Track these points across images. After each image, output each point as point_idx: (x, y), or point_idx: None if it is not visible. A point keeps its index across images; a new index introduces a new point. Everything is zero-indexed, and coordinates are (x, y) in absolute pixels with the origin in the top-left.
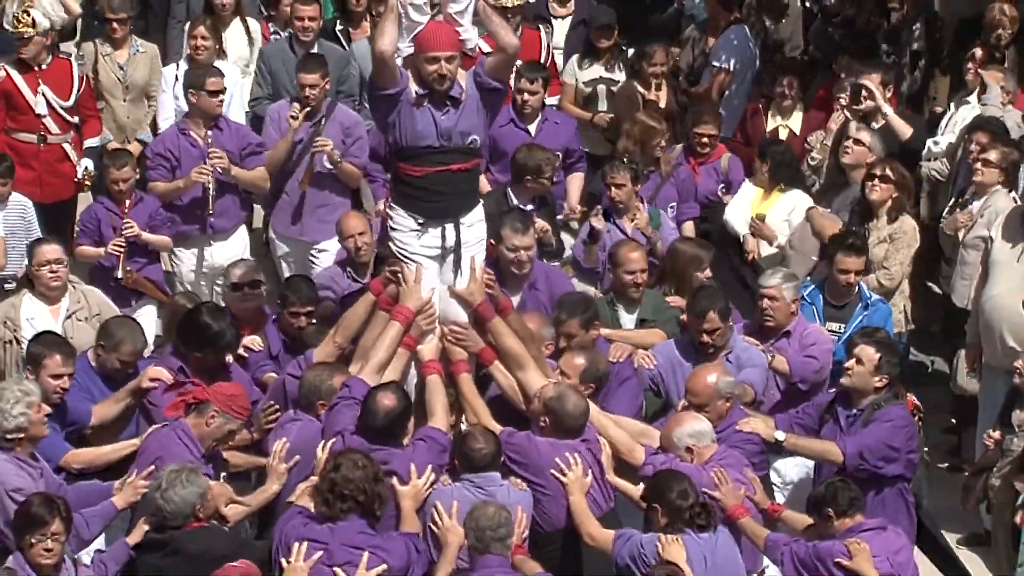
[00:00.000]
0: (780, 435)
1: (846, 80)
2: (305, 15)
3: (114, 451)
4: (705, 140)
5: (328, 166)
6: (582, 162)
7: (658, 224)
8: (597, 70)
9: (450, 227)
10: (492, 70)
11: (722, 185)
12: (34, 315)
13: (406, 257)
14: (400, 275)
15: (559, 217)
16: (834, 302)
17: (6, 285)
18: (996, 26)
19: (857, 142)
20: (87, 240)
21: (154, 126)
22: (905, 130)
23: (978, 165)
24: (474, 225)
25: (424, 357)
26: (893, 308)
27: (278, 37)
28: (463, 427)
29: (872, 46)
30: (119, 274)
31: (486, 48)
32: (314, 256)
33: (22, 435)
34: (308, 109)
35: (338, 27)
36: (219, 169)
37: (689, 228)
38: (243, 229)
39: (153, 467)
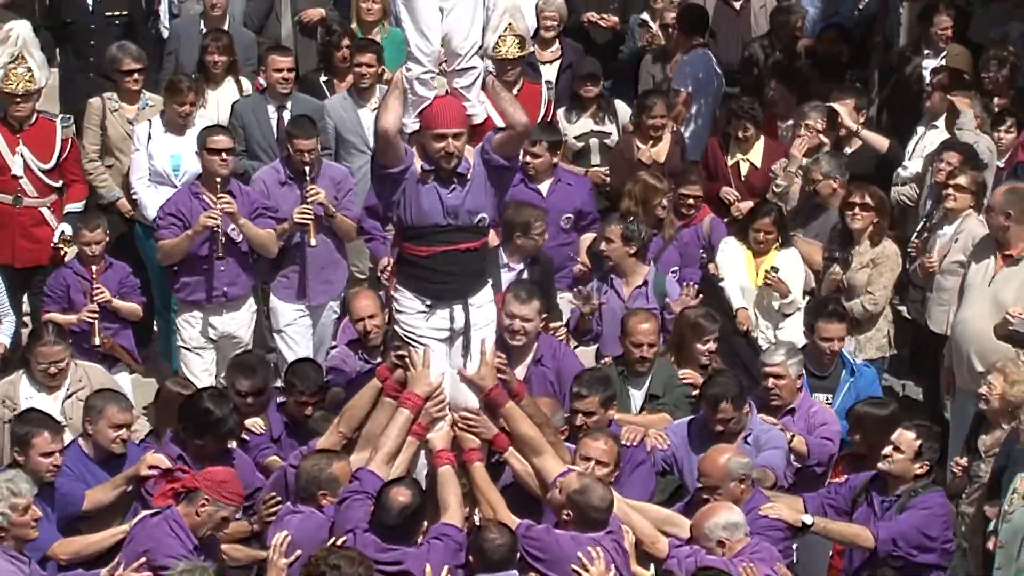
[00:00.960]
0: (808, 519)
1: (807, 107)
2: (283, 67)
3: (103, 539)
4: (691, 201)
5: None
6: (596, 223)
7: (663, 291)
8: (587, 123)
9: (458, 308)
10: (500, 147)
11: (703, 249)
12: (33, 395)
13: (413, 340)
14: (408, 359)
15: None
16: (817, 372)
17: None
18: (992, 75)
19: (814, 181)
20: (55, 307)
21: (126, 185)
22: (882, 142)
23: (949, 191)
24: (483, 306)
25: (435, 446)
26: (877, 332)
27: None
28: (476, 519)
29: (839, 72)
30: (96, 340)
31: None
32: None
33: (3, 533)
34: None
35: (322, 78)
36: (227, 213)
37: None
38: (251, 299)
39: (144, 559)
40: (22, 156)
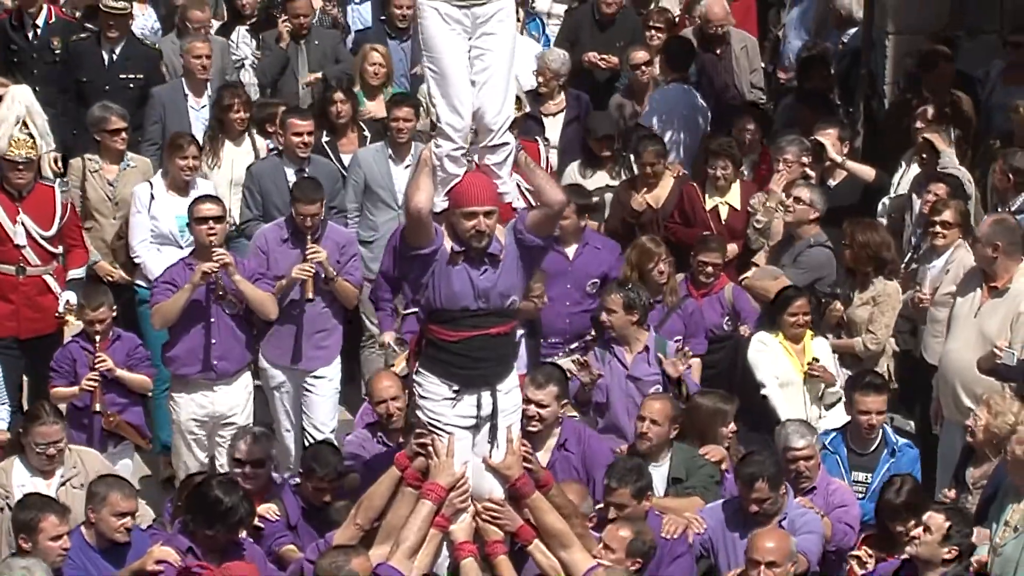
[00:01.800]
0: None
1: (783, 140)
2: (303, 130)
3: None
4: (710, 270)
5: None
6: None
7: (665, 354)
8: (602, 178)
9: (486, 395)
10: (535, 227)
11: (727, 317)
12: (25, 482)
13: (437, 428)
14: (431, 447)
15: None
16: (858, 450)
17: None
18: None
19: (798, 200)
20: (62, 381)
21: (126, 247)
22: (868, 172)
23: (936, 228)
24: (511, 391)
25: (457, 538)
26: (878, 368)
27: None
28: None
29: (826, 105)
30: (97, 407)
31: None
32: (310, 385)
33: None
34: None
35: (324, 139)
36: (223, 265)
37: (696, 366)
38: (247, 375)
39: None
40: (23, 225)
